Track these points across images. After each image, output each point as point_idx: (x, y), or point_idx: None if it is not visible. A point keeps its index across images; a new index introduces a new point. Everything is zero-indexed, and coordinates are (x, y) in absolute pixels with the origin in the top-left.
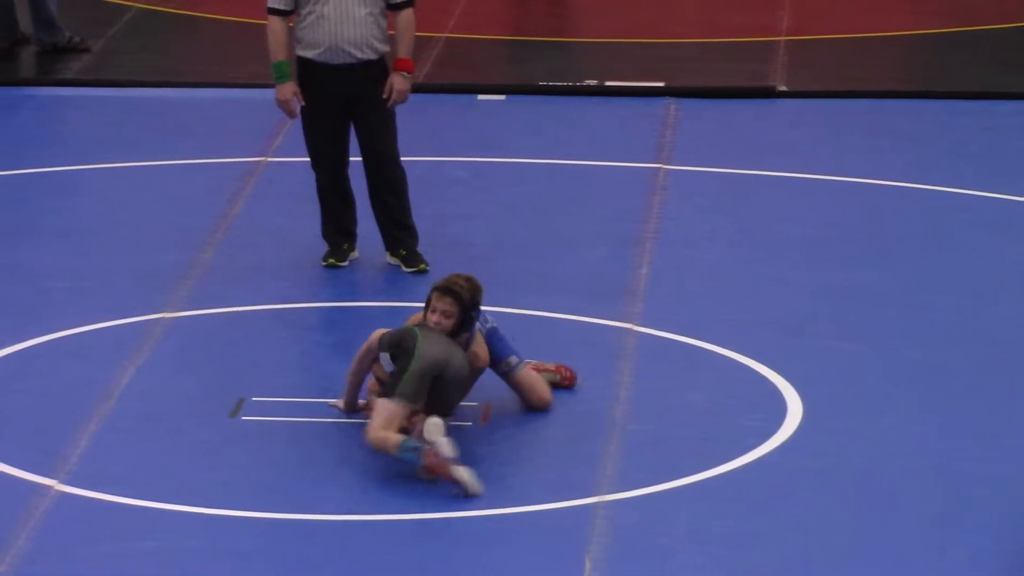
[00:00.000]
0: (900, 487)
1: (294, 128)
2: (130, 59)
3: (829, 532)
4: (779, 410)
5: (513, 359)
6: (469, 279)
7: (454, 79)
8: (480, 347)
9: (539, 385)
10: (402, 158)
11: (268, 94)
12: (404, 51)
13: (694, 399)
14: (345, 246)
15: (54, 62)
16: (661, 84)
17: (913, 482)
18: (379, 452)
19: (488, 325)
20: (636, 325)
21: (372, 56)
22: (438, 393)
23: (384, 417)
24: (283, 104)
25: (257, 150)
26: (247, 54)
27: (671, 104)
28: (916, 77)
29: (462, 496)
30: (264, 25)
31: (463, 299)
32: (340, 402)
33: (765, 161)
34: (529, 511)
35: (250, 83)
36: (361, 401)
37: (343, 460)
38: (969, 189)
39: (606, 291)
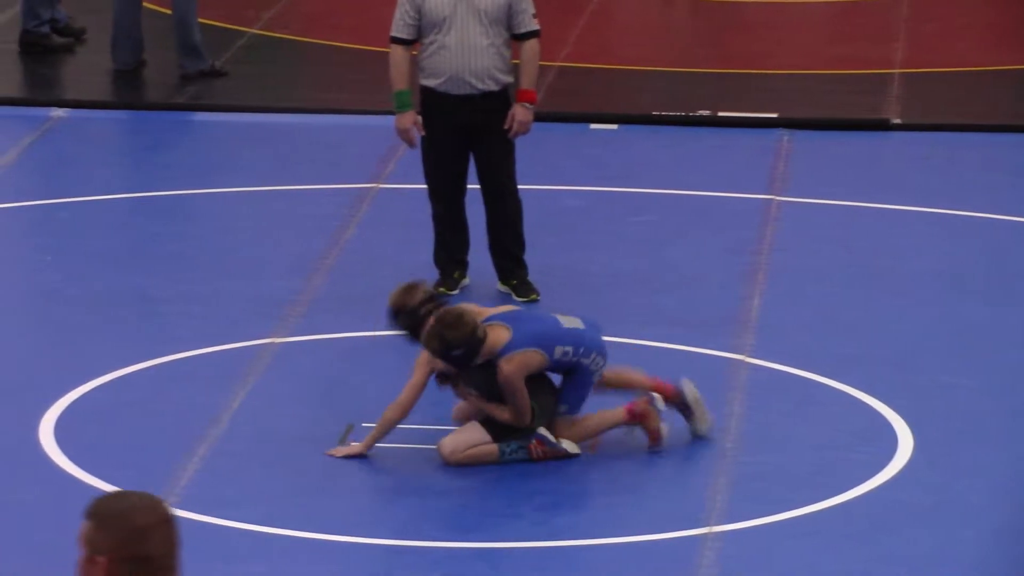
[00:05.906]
0: (1011, 524)
1: (406, 154)
2: (243, 84)
3: (938, 568)
4: (890, 444)
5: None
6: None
7: (567, 108)
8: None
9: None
10: (517, 186)
11: (380, 120)
12: (527, 82)
13: (805, 432)
14: (456, 274)
15: (168, 87)
16: (774, 115)
17: None
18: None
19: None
20: (748, 357)
21: (494, 87)
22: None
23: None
24: (403, 133)
25: (369, 176)
26: (359, 80)
27: (784, 135)
28: None
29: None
30: (377, 51)
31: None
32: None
33: (879, 194)
34: (637, 541)
35: (362, 109)
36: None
37: (452, 487)
38: None
39: (718, 322)
